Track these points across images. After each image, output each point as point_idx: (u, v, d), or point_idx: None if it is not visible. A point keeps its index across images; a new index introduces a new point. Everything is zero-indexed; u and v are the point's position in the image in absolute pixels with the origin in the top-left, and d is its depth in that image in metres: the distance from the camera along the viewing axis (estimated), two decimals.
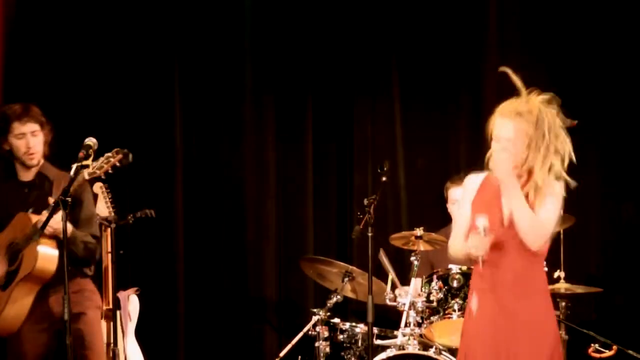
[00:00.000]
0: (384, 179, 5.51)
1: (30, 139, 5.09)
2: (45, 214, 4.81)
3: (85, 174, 4.79)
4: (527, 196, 4.22)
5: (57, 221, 4.70)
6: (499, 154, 4.27)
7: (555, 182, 4.23)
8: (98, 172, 4.76)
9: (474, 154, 6.89)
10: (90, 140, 4.82)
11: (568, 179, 4.23)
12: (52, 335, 5.03)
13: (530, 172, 4.24)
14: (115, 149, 4.78)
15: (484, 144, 6.79)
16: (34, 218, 4.93)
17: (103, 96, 6.66)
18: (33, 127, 5.10)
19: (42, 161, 5.17)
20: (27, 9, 6.59)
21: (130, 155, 4.78)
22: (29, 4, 6.60)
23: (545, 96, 4.35)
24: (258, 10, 6.93)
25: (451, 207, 6.21)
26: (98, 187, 5.63)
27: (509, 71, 4.46)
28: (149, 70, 6.77)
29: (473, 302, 4.32)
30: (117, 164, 4.77)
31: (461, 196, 4.50)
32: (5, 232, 5.05)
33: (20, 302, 4.91)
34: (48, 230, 4.81)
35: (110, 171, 4.79)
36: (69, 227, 4.84)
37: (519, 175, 4.25)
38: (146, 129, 6.79)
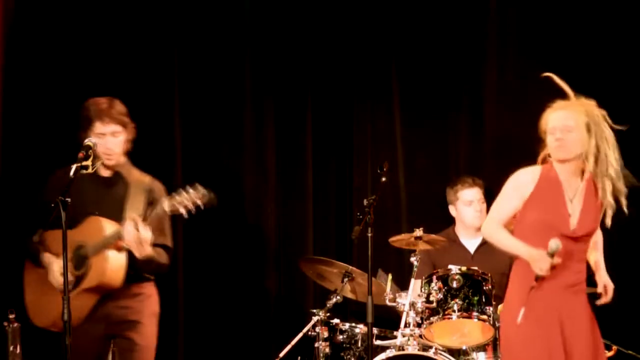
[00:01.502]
0: (383, 179, 5.52)
1: (110, 140, 5.01)
2: (117, 226, 4.81)
3: (166, 205, 4.74)
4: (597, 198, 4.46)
5: (135, 232, 4.71)
6: (558, 143, 4.43)
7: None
8: (181, 209, 4.74)
9: (474, 155, 6.90)
10: (90, 141, 4.82)
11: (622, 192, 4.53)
12: (105, 337, 5.03)
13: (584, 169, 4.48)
14: (204, 190, 4.73)
15: (484, 145, 6.89)
16: (106, 226, 4.87)
17: (103, 96, 6.65)
18: (114, 128, 5.02)
19: (122, 160, 5.12)
20: (27, 5, 6.58)
21: (216, 200, 4.74)
22: (29, 1, 6.60)
23: (592, 101, 4.52)
24: (258, 13, 6.92)
25: (462, 208, 6.21)
26: None
27: (554, 76, 4.59)
28: (149, 71, 6.76)
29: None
30: (201, 207, 4.74)
31: (509, 189, 4.64)
32: (75, 232, 4.93)
33: (80, 308, 4.87)
34: (132, 246, 4.78)
35: (193, 212, 4.74)
36: (149, 249, 4.82)
37: (579, 170, 4.47)
38: (146, 129, 6.77)
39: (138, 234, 4.77)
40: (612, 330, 6.12)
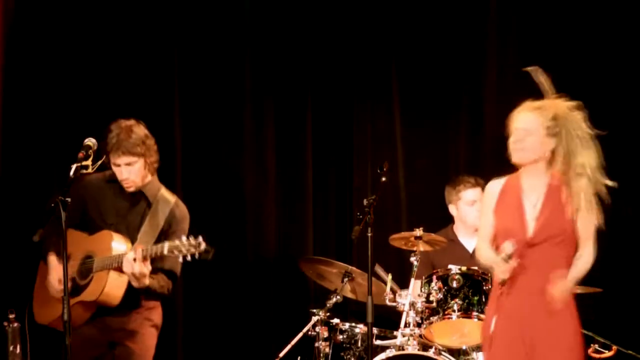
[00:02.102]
0: (383, 179, 5.51)
1: (124, 170, 5.00)
2: (127, 243, 4.85)
3: (165, 248, 4.72)
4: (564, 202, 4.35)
5: (132, 267, 4.72)
6: (514, 146, 4.33)
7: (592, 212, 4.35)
8: (177, 253, 4.71)
9: (474, 155, 6.90)
10: (90, 141, 4.81)
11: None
12: (104, 343, 5.05)
13: (558, 171, 4.37)
14: (202, 241, 4.70)
15: (484, 145, 6.88)
16: (114, 246, 4.88)
17: (102, 97, 6.65)
18: (127, 159, 4.99)
19: (148, 180, 5.10)
20: (27, 5, 6.58)
21: (212, 255, 4.72)
22: (29, 1, 6.60)
23: (571, 102, 4.43)
24: (257, 13, 6.92)
25: (465, 208, 6.21)
26: None
27: (538, 72, 4.48)
28: (149, 71, 6.76)
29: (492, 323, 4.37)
30: (196, 257, 4.73)
31: (482, 203, 4.62)
32: (90, 240, 4.97)
33: (76, 317, 4.86)
34: (125, 270, 4.78)
35: (188, 259, 4.73)
36: (146, 281, 4.83)
37: (547, 174, 4.38)
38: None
39: (134, 268, 4.78)
40: (612, 330, 6.13)
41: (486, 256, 4.44)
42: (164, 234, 5.00)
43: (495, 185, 4.54)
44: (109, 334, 5.02)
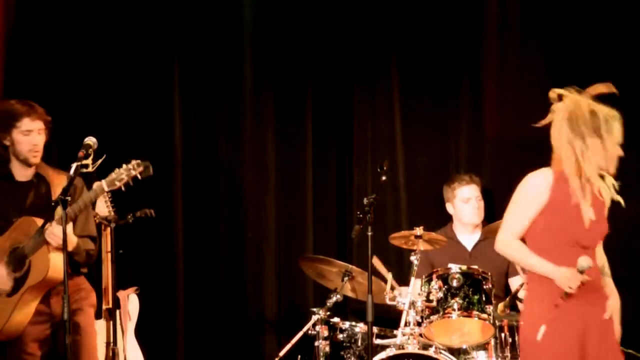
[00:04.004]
0: (383, 178, 5.51)
1: (37, 137, 5.04)
2: (54, 223, 4.79)
3: (104, 185, 4.74)
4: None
5: (58, 233, 4.70)
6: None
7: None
8: (118, 183, 4.72)
9: (474, 154, 6.90)
10: (90, 140, 4.81)
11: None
12: (51, 333, 5.03)
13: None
14: (136, 161, 4.72)
15: (484, 143, 6.88)
16: (39, 223, 4.88)
17: (102, 95, 6.66)
18: (40, 125, 5.06)
19: (39, 161, 5.14)
20: (27, 3, 6.58)
21: (151, 168, 4.72)
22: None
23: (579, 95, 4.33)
24: (258, 12, 6.93)
25: (460, 205, 6.21)
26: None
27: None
28: (148, 68, 6.76)
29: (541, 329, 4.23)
30: (138, 177, 4.73)
31: (523, 194, 4.30)
32: (6, 236, 4.99)
33: (27, 308, 4.89)
34: (51, 242, 4.79)
35: (130, 184, 4.74)
36: (73, 238, 4.84)
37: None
38: (145, 126, 6.80)
39: (55, 232, 4.77)
40: None
41: (535, 263, 4.24)
42: (73, 203, 4.94)
43: (542, 179, 4.27)
44: (54, 324, 5.01)
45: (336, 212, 7.02)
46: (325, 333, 5.77)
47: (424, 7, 6.90)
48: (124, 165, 4.75)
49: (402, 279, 5.94)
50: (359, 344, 5.74)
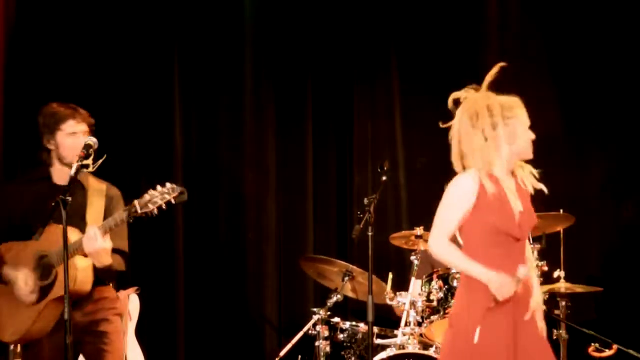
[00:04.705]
0: (384, 178, 5.51)
1: (81, 139, 4.88)
2: (79, 233, 4.73)
3: (137, 207, 4.63)
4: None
5: (95, 243, 4.63)
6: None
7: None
8: (151, 206, 4.61)
9: None
10: (91, 140, 4.79)
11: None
12: (72, 341, 4.95)
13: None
14: (172, 185, 4.61)
15: None
16: (70, 232, 4.72)
17: (102, 95, 6.66)
18: (84, 127, 4.94)
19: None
20: (28, 3, 6.58)
21: (187, 194, 4.61)
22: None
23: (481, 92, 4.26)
24: (258, 8, 6.93)
25: None
26: None
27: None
28: (148, 67, 6.77)
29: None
30: (172, 201, 4.63)
31: (450, 198, 4.32)
32: (33, 244, 4.79)
33: (49, 317, 4.81)
34: (87, 247, 4.68)
35: (164, 208, 4.63)
36: (107, 259, 4.77)
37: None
38: (145, 126, 6.80)
39: (97, 245, 4.69)
40: (613, 329, 6.13)
41: (466, 267, 4.17)
42: (108, 215, 4.88)
43: (469, 179, 4.22)
44: (76, 336, 4.92)
45: (336, 212, 7.03)
46: (326, 333, 5.77)
47: (424, 7, 6.91)
48: (159, 188, 4.63)
49: (403, 279, 5.94)
50: (360, 343, 5.75)
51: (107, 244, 4.72)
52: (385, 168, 5.51)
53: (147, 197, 4.65)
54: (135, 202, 4.66)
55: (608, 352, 5.88)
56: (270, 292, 6.90)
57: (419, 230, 5.79)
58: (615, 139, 6.84)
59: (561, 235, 5.89)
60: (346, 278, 5.91)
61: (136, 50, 6.75)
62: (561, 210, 5.86)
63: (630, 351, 5.83)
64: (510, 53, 6.87)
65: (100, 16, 6.67)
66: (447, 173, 6.69)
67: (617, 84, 6.80)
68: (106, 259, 4.76)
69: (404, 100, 6.97)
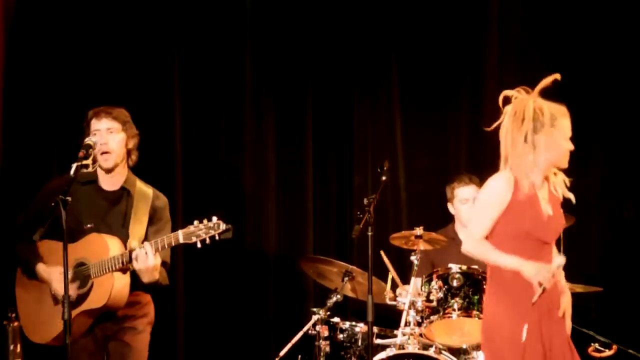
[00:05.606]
0: (384, 178, 5.51)
1: (105, 136, 4.86)
2: (120, 243, 4.74)
3: (181, 237, 4.62)
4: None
5: (147, 261, 4.64)
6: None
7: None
8: (194, 239, 4.61)
9: (474, 154, 6.90)
10: (90, 140, 4.80)
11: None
12: (102, 345, 4.97)
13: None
14: (218, 221, 4.61)
15: (484, 143, 6.88)
16: (110, 246, 4.75)
17: (102, 96, 6.64)
18: (109, 124, 4.88)
19: (126, 172, 4.98)
20: (28, 5, 6.58)
21: (232, 232, 4.60)
22: (30, 1, 6.60)
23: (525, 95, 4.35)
24: (258, 10, 6.93)
25: (458, 206, 6.21)
26: None
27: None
28: (149, 69, 6.76)
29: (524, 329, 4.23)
30: (216, 237, 4.63)
31: (486, 197, 4.38)
32: (76, 248, 4.77)
33: (80, 325, 4.80)
34: (137, 264, 4.68)
35: (207, 242, 4.63)
36: (157, 274, 4.76)
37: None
38: (146, 127, 6.77)
39: (149, 263, 4.70)
40: (613, 329, 6.14)
41: (509, 262, 4.24)
42: (150, 226, 4.91)
43: (504, 181, 4.33)
44: (106, 338, 4.94)
45: (336, 212, 7.03)
46: (326, 333, 5.77)
47: (424, 14, 6.91)
48: (205, 222, 4.63)
49: (403, 279, 5.94)
50: (359, 343, 5.74)
51: (157, 260, 4.73)
52: (385, 168, 5.52)
53: (192, 228, 4.65)
54: (180, 231, 4.65)
55: (608, 352, 5.88)
56: (269, 291, 6.90)
57: (418, 230, 5.79)
58: (615, 139, 6.84)
59: (561, 235, 5.88)
60: (346, 278, 5.91)
61: (137, 55, 6.73)
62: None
63: (630, 351, 5.83)
64: (510, 53, 6.88)
65: (101, 19, 6.67)
66: (447, 173, 6.74)
67: (617, 84, 6.80)
68: (155, 275, 4.78)
69: (404, 101, 6.97)
